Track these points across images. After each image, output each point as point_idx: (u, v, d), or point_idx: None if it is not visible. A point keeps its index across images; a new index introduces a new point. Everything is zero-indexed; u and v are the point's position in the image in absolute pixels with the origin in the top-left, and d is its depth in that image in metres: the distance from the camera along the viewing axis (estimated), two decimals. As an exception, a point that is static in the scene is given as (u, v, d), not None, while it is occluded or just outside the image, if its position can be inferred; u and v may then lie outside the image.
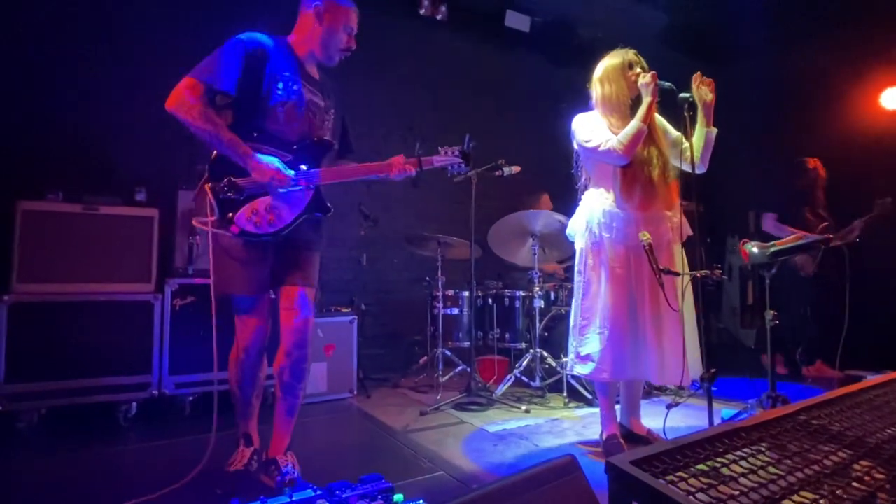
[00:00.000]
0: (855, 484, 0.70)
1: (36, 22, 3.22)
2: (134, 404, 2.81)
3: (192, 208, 1.95)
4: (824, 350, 3.77)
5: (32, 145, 3.14)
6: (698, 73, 2.19)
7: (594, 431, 2.45)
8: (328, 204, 1.98)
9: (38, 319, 2.57)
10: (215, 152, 1.81)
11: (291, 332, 1.88)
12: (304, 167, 1.87)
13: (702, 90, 2.18)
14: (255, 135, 1.82)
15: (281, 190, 1.82)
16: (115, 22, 3.38)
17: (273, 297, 2.00)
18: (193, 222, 1.83)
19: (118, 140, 3.33)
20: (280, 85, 1.86)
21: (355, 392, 3.38)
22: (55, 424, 2.63)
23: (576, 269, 2.37)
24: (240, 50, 1.80)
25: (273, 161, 1.78)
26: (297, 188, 1.86)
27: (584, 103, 2.43)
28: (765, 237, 3.80)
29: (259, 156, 1.77)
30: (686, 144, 2.15)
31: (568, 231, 2.47)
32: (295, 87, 1.90)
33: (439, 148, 2.08)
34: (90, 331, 2.67)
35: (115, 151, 3.34)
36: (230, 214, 1.78)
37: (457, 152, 2.06)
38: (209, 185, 1.80)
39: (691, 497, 0.60)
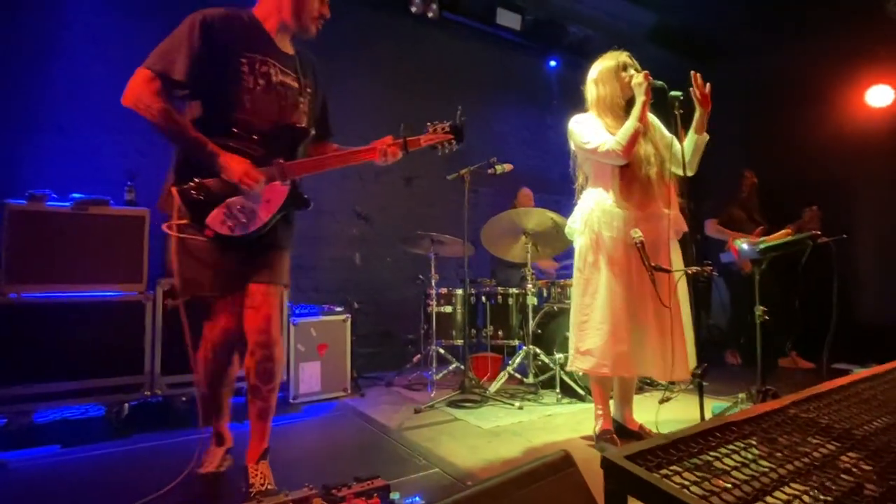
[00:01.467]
0: (843, 475, 0.71)
1: (28, 18, 3.18)
2: (126, 405, 2.80)
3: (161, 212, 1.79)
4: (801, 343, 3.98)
5: (20, 144, 3.10)
6: (697, 74, 2.17)
7: (587, 427, 2.47)
8: (306, 197, 1.87)
9: (26, 321, 2.54)
10: (180, 154, 1.70)
11: (254, 332, 1.77)
12: (278, 161, 1.75)
13: (697, 97, 2.19)
14: (222, 129, 1.69)
15: (251, 193, 1.70)
16: (105, 17, 3.35)
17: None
18: (164, 228, 1.69)
19: (107, 139, 3.30)
20: (245, 69, 1.72)
21: (349, 391, 3.38)
22: (45, 427, 2.60)
23: (575, 266, 2.39)
24: (199, 32, 1.65)
25: (242, 161, 1.66)
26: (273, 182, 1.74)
27: (574, 101, 2.45)
28: (710, 240, 4.11)
29: (227, 156, 1.65)
30: (677, 146, 2.18)
31: (567, 230, 2.49)
32: (263, 69, 1.75)
33: (427, 124, 1.95)
34: (80, 332, 2.64)
35: (104, 150, 3.31)
36: (202, 218, 1.68)
37: (447, 128, 1.93)
38: (175, 188, 1.67)
39: (685, 490, 0.61)
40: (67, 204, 2.72)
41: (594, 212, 2.29)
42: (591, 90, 2.37)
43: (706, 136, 2.26)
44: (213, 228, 1.68)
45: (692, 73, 2.17)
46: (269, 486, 1.74)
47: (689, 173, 2.22)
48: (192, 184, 1.67)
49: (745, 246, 2.53)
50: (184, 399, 2.91)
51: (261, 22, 1.81)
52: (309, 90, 1.92)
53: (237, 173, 1.65)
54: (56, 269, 2.66)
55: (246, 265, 1.81)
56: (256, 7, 1.84)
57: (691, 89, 2.18)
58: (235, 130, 1.71)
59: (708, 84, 2.19)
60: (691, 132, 2.25)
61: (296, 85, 1.87)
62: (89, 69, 3.24)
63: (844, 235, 2.39)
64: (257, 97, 1.74)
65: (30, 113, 3.13)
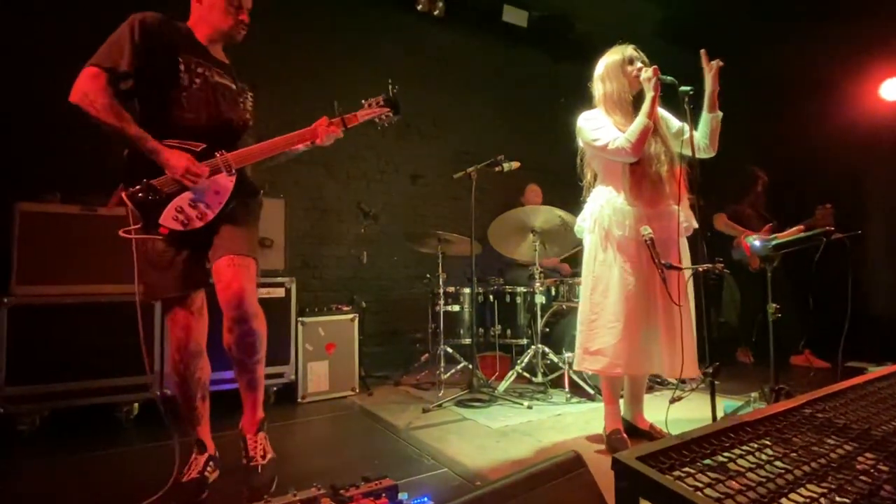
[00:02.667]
0: (861, 477, 0.70)
1: (34, 21, 3.21)
2: (136, 405, 2.82)
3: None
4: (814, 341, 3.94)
5: (30, 146, 3.13)
6: (703, 51, 2.17)
7: (597, 427, 2.46)
8: (255, 186, 1.92)
9: (38, 321, 2.57)
10: (126, 154, 1.73)
11: (227, 307, 1.77)
12: (221, 152, 1.79)
13: (708, 78, 2.17)
14: (162, 127, 1.72)
15: (196, 186, 1.73)
16: (115, 20, 3.37)
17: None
18: (120, 233, 1.71)
19: (116, 140, 3.32)
20: (182, 68, 1.78)
21: (357, 390, 3.38)
22: (56, 427, 2.63)
23: (584, 264, 2.37)
24: (139, 30, 1.70)
25: (182, 156, 1.70)
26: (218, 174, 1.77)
27: (582, 97, 2.42)
28: (717, 236, 4.08)
29: (169, 152, 1.69)
30: (687, 136, 2.15)
31: (576, 228, 2.47)
32: (199, 70, 1.81)
33: (363, 101, 2.02)
34: (90, 332, 2.67)
35: (113, 152, 3.33)
36: (154, 217, 1.71)
37: (381, 101, 2.00)
38: (125, 192, 1.70)
39: (699, 493, 0.60)
40: (77, 205, 2.74)
41: (604, 209, 2.26)
42: (597, 87, 2.34)
43: (720, 114, 2.23)
44: (167, 226, 1.72)
45: (701, 51, 2.16)
46: (271, 456, 1.76)
47: (710, 154, 2.22)
48: (139, 186, 1.70)
49: (756, 242, 2.50)
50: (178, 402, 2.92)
51: (194, 32, 1.90)
52: (250, 94, 1.99)
53: (179, 169, 1.69)
54: (66, 270, 2.69)
55: (202, 262, 1.85)
56: (189, 20, 1.92)
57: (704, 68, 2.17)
58: (174, 128, 1.76)
59: (716, 60, 2.16)
60: (704, 112, 2.22)
61: (233, 86, 1.94)
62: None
63: (859, 231, 2.35)
64: (194, 94, 1.80)
65: (39, 114, 3.16)
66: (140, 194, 1.70)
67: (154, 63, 1.73)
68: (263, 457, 1.76)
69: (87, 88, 1.64)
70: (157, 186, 1.71)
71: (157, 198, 1.71)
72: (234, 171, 1.82)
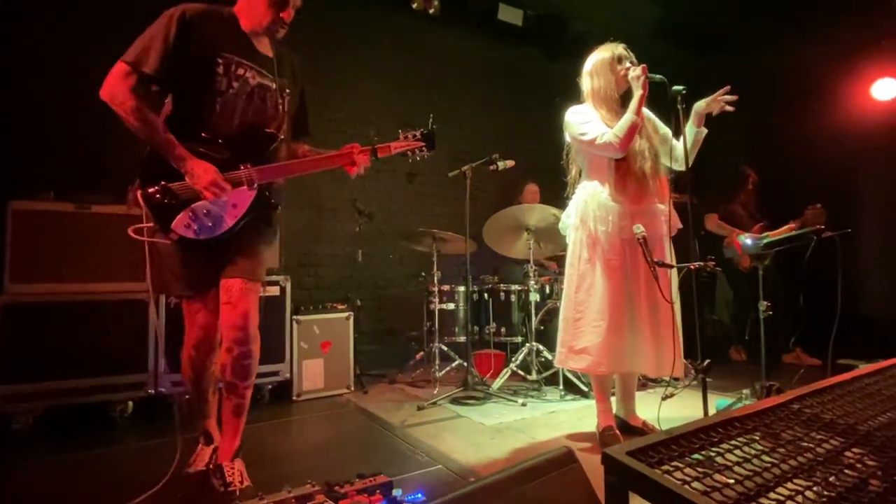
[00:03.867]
0: (847, 471, 0.71)
1: (26, 19, 3.18)
2: (130, 403, 2.81)
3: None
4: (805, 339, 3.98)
5: (23, 144, 3.11)
6: (728, 88, 2.20)
7: (590, 424, 2.47)
8: (274, 201, 1.87)
9: (32, 320, 2.56)
10: (147, 152, 1.69)
11: (231, 328, 1.75)
12: (246, 165, 1.75)
13: (716, 104, 2.19)
14: (191, 130, 1.69)
15: (218, 200, 1.70)
16: (105, 17, 3.35)
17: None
18: (130, 232, 1.67)
19: (110, 138, 3.29)
20: (220, 70, 1.71)
21: (352, 388, 3.39)
22: (51, 425, 2.62)
23: (568, 261, 2.38)
24: (176, 27, 1.63)
25: (210, 168, 1.66)
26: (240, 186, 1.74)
27: (577, 97, 2.43)
28: (709, 235, 4.11)
29: (195, 161, 1.65)
30: (675, 141, 2.17)
31: (560, 224, 2.48)
32: (239, 72, 1.75)
33: (399, 132, 1.99)
34: (85, 330, 2.66)
35: (106, 149, 3.31)
36: (167, 221, 1.68)
37: (418, 135, 1.98)
38: (140, 192, 1.66)
39: (687, 486, 0.61)
40: (70, 203, 2.73)
41: (589, 205, 2.27)
42: (585, 82, 2.36)
43: (704, 130, 2.26)
44: (178, 232, 1.69)
45: (725, 88, 2.20)
46: (248, 484, 1.74)
47: (688, 166, 2.22)
48: (157, 188, 1.66)
49: (748, 241, 2.53)
50: (188, 396, 2.91)
51: (239, 22, 1.81)
52: (287, 91, 1.92)
53: (203, 182, 1.64)
54: (60, 268, 2.68)
55: (216, 263, 1.81)
56: (236, 6, 1.83)
57: (717, 99, 2.19)
58: (204, 133, 1.72)
59: (730, 96, 2.19)
60: (690, 125, 2.23)
61: (273, 86, 1.87)
62: (93, 66, 3.24)
63: (849, 230, 2.37)
64: (229, 100, 1.75)
65: (32, 111, 3.14)
66: (157, 196, 1.66)
67: (189, 62, 1.67)
68: (241, 482, 1.74)
69: (116, 89, 1.60)
70: (175, 191, 1.67)
71: (173, 202, 1.68)
72: (255, 187, 1.77)
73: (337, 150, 1.91)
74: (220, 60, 1.72)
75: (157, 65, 1.62)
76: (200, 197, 1.69)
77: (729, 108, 2.19)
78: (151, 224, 1.68)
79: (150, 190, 1.67)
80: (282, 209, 1.96)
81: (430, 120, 2.03)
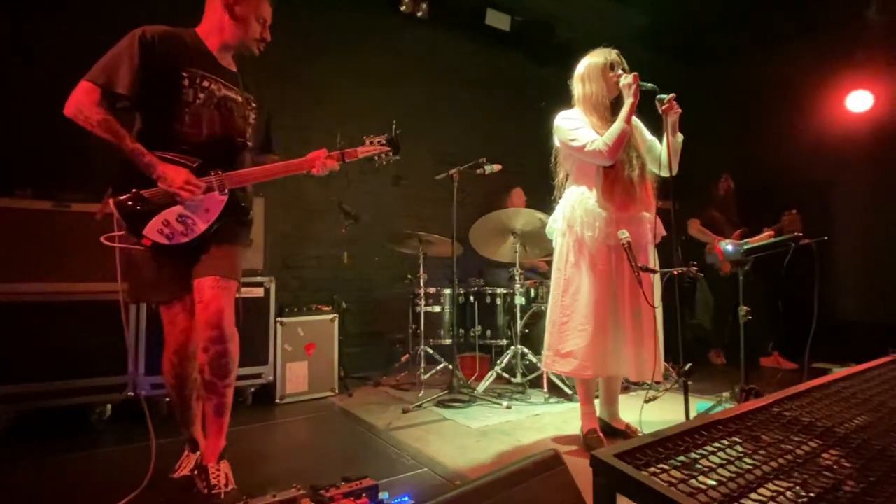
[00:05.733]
0: (824, 473, 0.73)
1: (4, 18, 3.11)
2: (109, 406, 2.75)
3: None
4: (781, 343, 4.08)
5: (1, 140, 3.03)
6: (674, 95, 2.21)
7: (575, 426, 2.49)
8: (245, 206, 1.92)
9: (8, 320, 2.49)
10: (120, 162, 1.71)
11: (206, 327, 1.74)
12: (216, 171, 1.79)
13: (671, 112, 2.21)
14: (162, 141, 1.72)
15: (190, 202, 1.74)
16: (83, 13, 3.29)
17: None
18: (102, 240, 1.70)
19: (91, 136, 3.23)
20: (186, 83, 1.76)
21: (337, 391, 3.37)
22: (25, 429, 2.55)
23: (555, 266, 2.40)
24: (138, 46, 1.68)
25: (181, 170, 1.70)
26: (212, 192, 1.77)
27: (564, 103, 2.46)
28: (691, 241, 4.20)
29: (165, 166, 1.68)
30: (658, 148, 2.21)
31: (547, 229, 2.50)
32: (204, 84, 1.80)
33: (364, 137, 2.06)
34: (63, 331, 2.60)
35: (86, 147, 3.24)
36: (139, 228, 1.71)
37: (383, 141, 2.04)
38: (112, 199, 1.69)
39: (673, 488, 0.62)
40: (49, 201, 2.67)
41: (576, 210, 2.30)
42: (577, 86, 2.38)
43: (680, 136, 2.30)
44: (151, 238, 1.72)
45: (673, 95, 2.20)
46: (233, 487, 1.73)
47: (673, 173, 2.25)
48: (129, 195, 1.69)
49: (729, 247, 2.57)
50: (168, 399, 2.86)
51: (203, 40, 1.87)
52: (254, 104, 1.98)
53: (177, 183, 1.68)
54: (38, 267, 2.61)
55: (190, 266, 1.82)
56: (200, 26, 1.89)
57: (670, 107, 2.21)
58: (174, 143, 1.75)
59: (671, 94, 2.20)
60: (669, 135, 2.27)
61: (240, 99, 1.93)
62: (73, 63, 3.18)
63: (825, 238, 2.44)
64: (197, 110, 1.79)
65: (9, 108, 3.06)
66: (129, 203, 1.69)
67: (155, 79, 1.71)
68: (226, 485, 1.72)
69: (81, 104, 1.63)
70: (147, 197, 1.70)
71: (145, 208, 1.71)
72: (226, 191, 1.81)
73: (304, 157, 1.96)
74: (185, 74, 1.77)
75: (127, 84, 1.66)
76: (173, 202, 1.73)
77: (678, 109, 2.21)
78: (124, 232, 1.70)
79: (122, 197, 1.69)
80: (267, 210, 1.97)
81: (393, 126, 2.10)
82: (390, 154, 2.07)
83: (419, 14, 4.57)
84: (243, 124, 1.93)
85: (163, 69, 1.73)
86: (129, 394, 2.74)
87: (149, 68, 1.69)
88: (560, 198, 2.45)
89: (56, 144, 3.12)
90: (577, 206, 2.30)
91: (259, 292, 3.16)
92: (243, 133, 1.93)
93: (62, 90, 1.68)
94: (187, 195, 1.70)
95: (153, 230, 1.72)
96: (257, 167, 1.92)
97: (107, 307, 2.71)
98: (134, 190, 1.70)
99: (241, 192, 1.91)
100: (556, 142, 2.40)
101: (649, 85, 2.19)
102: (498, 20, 4.86)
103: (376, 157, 2.07)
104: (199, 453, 1.91)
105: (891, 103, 4.25)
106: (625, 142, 2.20)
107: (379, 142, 2.04)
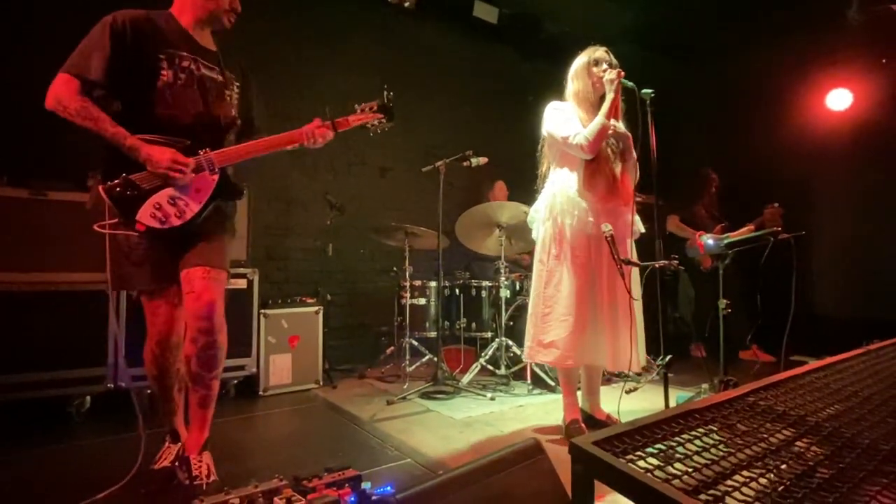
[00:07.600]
0: (797, 459, 0.75)
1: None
2: (88, 398, 2.71)
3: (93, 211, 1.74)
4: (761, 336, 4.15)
5: (-28, 126, 2.94)
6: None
7: (557, 417, 2.52)
8: (237, 185, 1.89)
9: (-18, 310, 2.43)
10: (105, 147, 1.68)
11: (195, 318, 1.73)
12: (205, 151, 1.76)
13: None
14: (145, 125, 1.69)
15: (180, 183, 1.71)
16: (71, 5, 3.20)
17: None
18: (95, 227, 1.66)
19: (69, 123, 3.16)
20: (164, 64, 1.73)
21: (321, 383, 3.36)
22: (2, 421, 2.50)
23: (537, 257, 2.42)
24: (109, 33, 1.66)
25: (166, 150, 1.67)
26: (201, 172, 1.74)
27: (550, 96, 2.47)
28: (670, 237, 4.25)
29: (150, 147, 1.65)
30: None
31: (528, 218, 2.52)
32: (183, 65, 1.77)
33: (356, 105, 2.00)
34: (41, 322, 2.55)
35: (64, 134, 3.17)
36: (132, 214, 1.67)
37: (375, 107, 1.99)
38: (101, 186, 1.66)
39: (649, 474, 0.64)
40: (24, 189, 2.61)
41: (557, 198, 2.33)
42: (568, 85, 2.43)
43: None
44: (144, 223, 1.69)
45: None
46: (214, 478, 1.72)
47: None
48: (118, 181, 1.66)
49: (710, 241, 2.62)
50: (149, 392, 2.83)
51: (177, 20, 1.83)
52: (236, 84, 1.94)
53: (164, 163, 1.66)
54: (14, 257, 2.55)
55: (178, 255, 1.80)
56: (173, 6, 1.86)
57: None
58: (158, 125, 1.72)
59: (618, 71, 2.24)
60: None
61: (220, 78, 1.89)
62: (50, 48, 3.10)
63: (803, 232, 2.49)
64: (178, 91, 1.76)
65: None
66: (118, 189, 1.66)
67: (133, 63, 1.68)
68: (208, 476, 1.71)
69: (60, 95, 1.62)
70: (137, 182, 1.67)
71: (136, 193, 1.67)
72: (216, 170, 1.78)
73: (296, 129, 1.90)
74: (162, 56, 1.74)
75: (101, 71, 1.64)
76: (164, 185, 1.69)
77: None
78: (115, 220, 1.66)
79: (112, 183, 1.66)
80: (251, 201, 1.93)
81: (385, 90, 2.03)
82: (384, 121, 2.02)
83: (406, 4, 4.53)
84: (226, 104, 1.89)
85: (139, 53, 1.70)
86: (108, 385, 2.70)
87: (123, 54, 1.67)
88: (542, 187, 2.48)
89: (32, 132, 3.05)
90: (558, 193, 2.33)
91: (242, 283, 3.13)
92: (228, 112, 1.89)
93: (38, 79, 1.65)
94: (177, 175, 1.67)
95: (146, 215, 1.68)
96: (246, 143, 1.87)
97: (85, 297, 2.66)
98: (123, 175, 1.66)
99: (231, 173, 1.87)
100: (544, 131, 2.42)
101: (630, 84, 2.23)
102: (486, 12, 4.84)
103: (370, 125, 2.01)
104: (180, 444, 1.90)
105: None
106: (604, 137, 2.24)
107: (371, 108, 1.98)
